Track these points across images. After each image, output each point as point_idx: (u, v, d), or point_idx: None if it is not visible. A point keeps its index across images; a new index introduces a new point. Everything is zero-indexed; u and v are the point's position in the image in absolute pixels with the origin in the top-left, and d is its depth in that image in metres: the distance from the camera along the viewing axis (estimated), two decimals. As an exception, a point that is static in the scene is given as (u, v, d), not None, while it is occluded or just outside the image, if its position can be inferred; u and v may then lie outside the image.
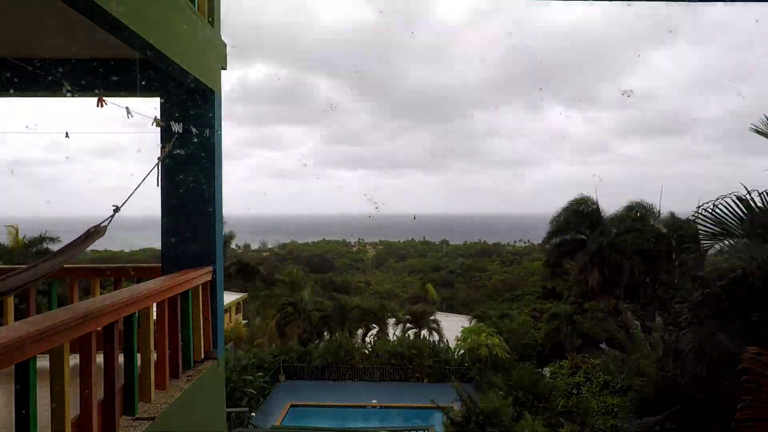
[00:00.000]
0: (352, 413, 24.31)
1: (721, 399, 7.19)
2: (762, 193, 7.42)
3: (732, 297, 7.24)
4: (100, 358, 3.46)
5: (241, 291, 43.92)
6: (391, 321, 33.38)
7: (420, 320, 32.63)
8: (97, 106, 4.00)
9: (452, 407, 18.59)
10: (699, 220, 7.68)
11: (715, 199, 7.69)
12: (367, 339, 32.34)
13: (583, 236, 29.93)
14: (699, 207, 7.70)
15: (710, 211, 7.58)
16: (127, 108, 4.07)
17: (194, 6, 5.15)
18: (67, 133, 4.65)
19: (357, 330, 32.68)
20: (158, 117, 4.56)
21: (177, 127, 5.07)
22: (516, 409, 19.16)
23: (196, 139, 5.38)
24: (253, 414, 22.76)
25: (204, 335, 5.39)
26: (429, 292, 44.22)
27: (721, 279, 7.42)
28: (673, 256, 23.30)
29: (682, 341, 7.74)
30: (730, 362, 6.99)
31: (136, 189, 4.41)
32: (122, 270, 6.19)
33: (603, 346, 22.14)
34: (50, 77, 5.02)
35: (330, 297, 38.19)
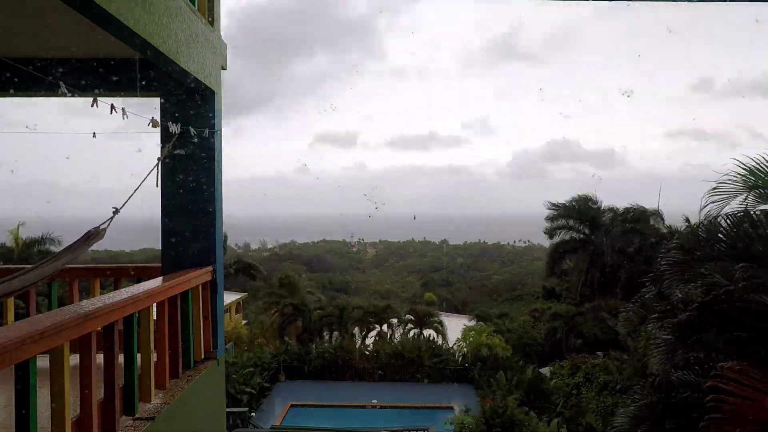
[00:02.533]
0: (353, 413, 24.29)
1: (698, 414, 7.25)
2: (735, 214, 7.50)
3: (713, 314, 7.27)
4: (100, 358, 3.46)
5: (241, 291, 43.90)
6: (391, 321, 33.35)
7: (420, 320, 32.60)
8: (92, 106, 3.99)
9: (454, 408, 18.59)
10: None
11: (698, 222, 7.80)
12: (368, 339, 32.31)
13: (584, 236, 29.94)
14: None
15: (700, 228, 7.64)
16: (123, 109, 4.06)
17: (194, 6, 5.15)
18: (94, 134, 4.67)
19: (357, 330, 32.64)
20: (155, 117, 4.57)
21: (174, 128, 5.07)
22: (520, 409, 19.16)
23: (196, 139, 5.39)
24: (253, 414, 22.77)
25: (204, 335, 5.39)
26: (428, 296, 44.35)
27: (704, 294, 7.43)
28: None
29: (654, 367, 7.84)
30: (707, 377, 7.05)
31: (135, 190, 4.41)
32: (122, 270, 6.20)
33: (599, 353, 22.15)
34: (50, 77, 5.02)
35: (330, 297, 38.19)
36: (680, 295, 7.85)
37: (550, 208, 30.53)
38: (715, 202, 7.82)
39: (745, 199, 7.70)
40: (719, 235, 7.41)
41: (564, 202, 30.61)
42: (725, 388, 6.43)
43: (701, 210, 7.93)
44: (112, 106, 3.99)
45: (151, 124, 4.60)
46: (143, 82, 5.36)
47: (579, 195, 30.30)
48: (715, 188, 7.87)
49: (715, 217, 7.60)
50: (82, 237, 3.94)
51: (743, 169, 7.66)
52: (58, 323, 2.90)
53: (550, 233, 30.65)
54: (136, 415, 3.89)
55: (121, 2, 3.42)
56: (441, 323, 32.30)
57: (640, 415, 8.46)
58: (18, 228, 28.60)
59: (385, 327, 32.62)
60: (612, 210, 29.32)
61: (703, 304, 7.11)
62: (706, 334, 7.81)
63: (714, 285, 7.23)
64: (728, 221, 7.43)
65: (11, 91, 5.39)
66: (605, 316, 25.72)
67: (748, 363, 6.58)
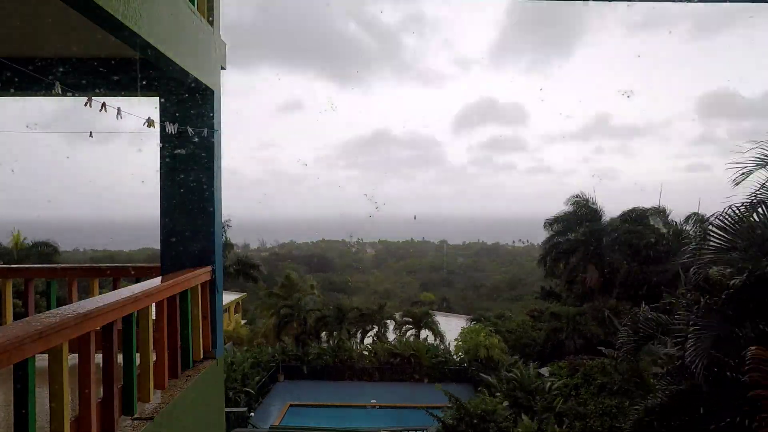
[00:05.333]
0: (352, 413, 24.29)
1: (725, 409, 7.22)
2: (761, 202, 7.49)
3: (737, 305, 7.26)
4: (99, 358, 3.46)
5: (240, 291, 43.92)
6: (390, 321, 33.35)
7: (419, 320, 32.62)
8: (85, 105, 3.98)
9: (449, 408, 18.54)
10: (710, 232, 7.77)
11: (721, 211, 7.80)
12: (366, 339, 32.32)
13: (582, 236, 29.93)
14: (705, 219, 7.81)
15: (720, 220, 7.67)
16: (118, 108, 4.06)
17: (194, 6, 5.15)
18: (90, 134, 4.66)
19: (356, 330, 32.65)
20: (152, 117, 4.56)
21: (171, 128, 5.07)
22: (513, 410, 19.13)
23: (196, 139, 5.39)
24: (252, 414, 22.76)
25: (203, 335, 5.39)
26: (426, 296, 44.36)
27: (724, 288, 7.41)
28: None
29: (689, 351, 7.79)
30: (736, 367, 7.02)
31: None
32: (122, 270, 6.19)
33: (603, 349, 22.07)
34: (50, 77, 5.02)
35: (329, 297, 38.18)
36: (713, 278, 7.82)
37: (549, 222, 30.56)
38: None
39: None
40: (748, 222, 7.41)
41: (562, 208, 30.60)
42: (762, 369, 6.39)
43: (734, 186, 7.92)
44: (119, 110, 3.99)
45: (147, 124, 4.59)
46: (143, 82, 5.36)
47: (578, 197, 30.28)
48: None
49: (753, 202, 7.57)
50: None
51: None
52: (57, 323, 2.90)
53: (549, 239, 30.67)
54: (135, 415, 3.89)
55: (120, 2, 3.42)
56: (436, 324, 32.30)
57: (669, 405, 8.42)
58: (18, 231, 28.90)
59: (382, 327, 32.63)
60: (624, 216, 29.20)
61: (738, 289, 7.08)
62: (738, 325, 7.78)
63: (745, 272, 7.22)
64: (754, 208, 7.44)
65: (11, 90, 5.39)
66: (603, 316, 25.72)
67: None
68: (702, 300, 7.99)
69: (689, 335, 7.87)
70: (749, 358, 6.54)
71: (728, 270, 7.84)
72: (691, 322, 7.94)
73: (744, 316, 7.68)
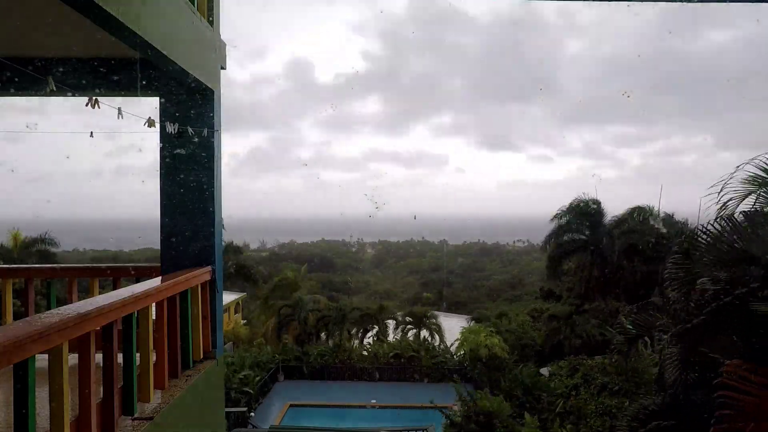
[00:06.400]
0: (352, 413, 24.31)
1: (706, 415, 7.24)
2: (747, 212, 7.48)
3: (723, 314, 7.25)
4: (99, 358, 3.46)
5: (240, 291, 43.91)
6: (390, 321, 33.34)
7: (419, 320, 32.62)
8: (88, 105, 3.98)
9: (452, 408, 18.56)
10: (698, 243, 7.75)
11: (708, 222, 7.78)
12: (366, 339, 32.32)
13: (584, 237, 29.91)
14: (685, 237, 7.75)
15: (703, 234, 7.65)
16: (119, 108, 4.06)
17: (194, 6, 5.15)
18: (91, 134, 4.66)
19: (356, 330, 32.65)
20: (152, 117, 4.56)
21: (171, 128, 5.07)
22: (515, 410, 19.16)
23: (196, 139, 5.39)
24: (252, 414, 22.78)
25: (203, 335, 5.39)
26: (426, 296, 44.35)
27: (710, 300, 7.37)
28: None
29: (667, 361, 7.84)
30: (715, 377, 7.05)
31: None
32: (122, 270, 6.19)
33: (598, 358, 22.06)
34: (50, 77, 5.02)
35: (329, 297, 38.21)
36: (692, 303, 7.81)
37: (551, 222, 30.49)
38: (729, 200, 7.80)
39: (757, 198, 7.69)
40: (724, 236, 7.40)
41: (563, 207, 30.52)
42: (733, 384, 6.43)
43: (705, 209, 7.92)
44: (119, 110, 3.98)
45: (147, 124, 4.59)
46: (143, 82, 5.36)
47: (580, 198, 30.26)
48: (717, 187, 7.83)
49: (723, 217, 7.58)
50: None
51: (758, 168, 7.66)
52: (57, 323, 2.90)
53: (550, 239, 30.61)
54: (135, 415, 3.89)
55: (121, 2, 3.42)
56: (436, 324, 32.30)
57: (650, 412, 8.46)
58: (17, 230, 29.00)
59: (382, 327, 32.63)
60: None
61: (712, 310, 7.09)
62: (716, 339, 7.80)
63: (721, 289, 7.20)
64: (730, 222, 7.42)
65: (11, 90, 5.39)
66: (604, 317, 25.75)
67: (753, 363, 6.59)
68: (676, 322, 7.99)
69: (665, 350, 7.92)
70: (724, 371, 6.60)
71: (707, 286, 7.79)
72: (668, 342, 7.98)
73: (719, 333, 7.69)
